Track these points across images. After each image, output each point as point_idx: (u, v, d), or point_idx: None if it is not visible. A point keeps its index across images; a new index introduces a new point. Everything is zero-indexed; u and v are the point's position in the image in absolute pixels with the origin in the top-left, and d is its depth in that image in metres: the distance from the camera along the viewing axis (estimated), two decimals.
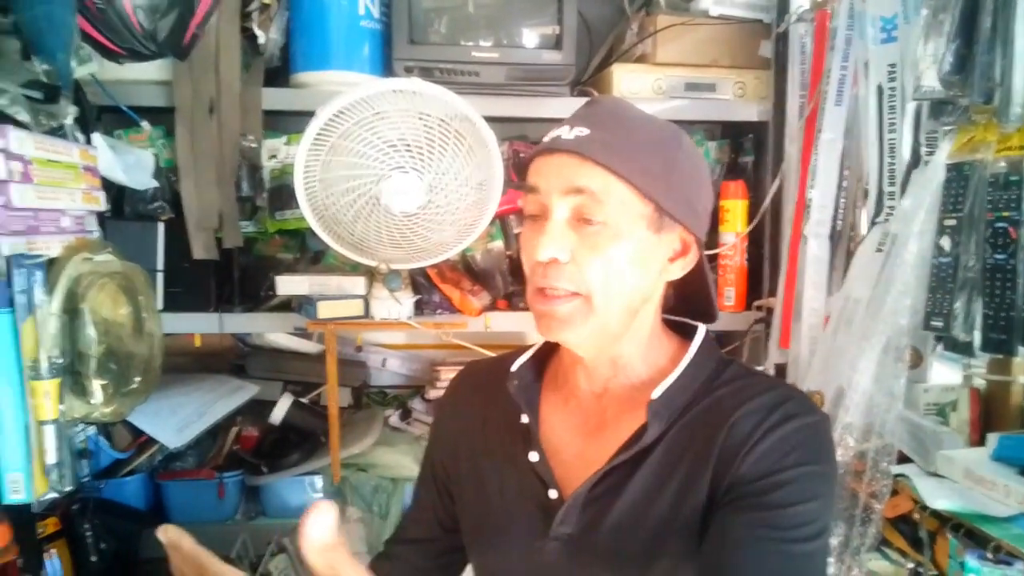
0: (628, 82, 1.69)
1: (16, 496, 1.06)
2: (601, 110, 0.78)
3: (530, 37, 1.66)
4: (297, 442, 1.82)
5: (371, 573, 0.62)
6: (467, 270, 1.75)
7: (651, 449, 0.76)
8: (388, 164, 1.36)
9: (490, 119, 1.36)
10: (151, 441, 1.67)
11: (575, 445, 0.82)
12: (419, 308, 1.61)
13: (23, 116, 1.02)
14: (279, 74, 1.67)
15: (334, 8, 1.57)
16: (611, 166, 0.72)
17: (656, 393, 0.76)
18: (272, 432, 1.84)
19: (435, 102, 1.34)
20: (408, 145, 1.36)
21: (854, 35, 1.37)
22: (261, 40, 1.56)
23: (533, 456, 0.81)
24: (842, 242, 1.51)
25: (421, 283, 1.63)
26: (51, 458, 1.06)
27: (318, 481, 1.77)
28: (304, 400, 1.90)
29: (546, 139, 0.76)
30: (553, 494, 0.79)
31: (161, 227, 1.58)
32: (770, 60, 1.68)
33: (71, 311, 1.11)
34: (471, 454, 0.89)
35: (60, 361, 1.07)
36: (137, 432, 1.66)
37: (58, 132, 1.17)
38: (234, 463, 1.78)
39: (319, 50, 1.59)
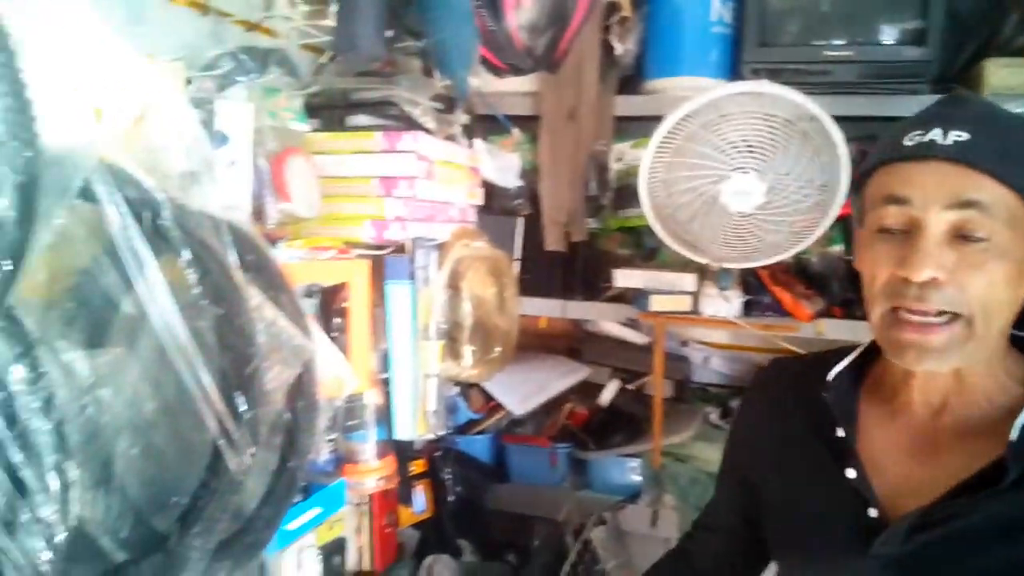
0: (1002, 78, 1.52)
1: (404, 434, 1.31)
2: (975, 110, 0.71)
3: (889, 32, 1.58)
4: (621, 425, 1.95)
5: None
6: (801, 273, 1.72)
7: (1005, 489, 0.68)
8: (729, 165, 1.40)
9: (836, 119, 1.33)
10: (499, 406, 1.91)
11: (902, 465, 0.77)
12: (748, 308, 1.62)
13: (430, 124, 1.25)
14: (630, 82, 1.79)
15: (688, 16, 1.65)
16: (1007, 179, 0.65)
17: (1017, 432, 0.68)
18: (599, 413, 1.99)
19: (782, 103, 1.35)
20: (750, 146, 1.39)
21: None
22: (618, 51, 1.70)
23: (850, 472, 0.77)
24: None
25: (752, 283, 1.65)
26: (431, 406, 1.30)
27: (638, 464, 1.87)
28: (630, 386, 2.03)
29: (908, 142, 0.70)
30: (873, 513, 0.75)
31: (520, 221, 1.80)
32: None
33: (452, 287, 1.34)
34: (775, 454, 0.87)
35: (443, 327, 1.29)
36: (488, 397, 1.91)
37: (451, 138, 1.40)
38: (565, 436, 1.96)
39: (671, 57, 1.69)
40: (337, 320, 1.21)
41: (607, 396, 1.99)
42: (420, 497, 1.65)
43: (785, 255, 1.48)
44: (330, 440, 1.23)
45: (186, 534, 0.79)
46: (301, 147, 1.17)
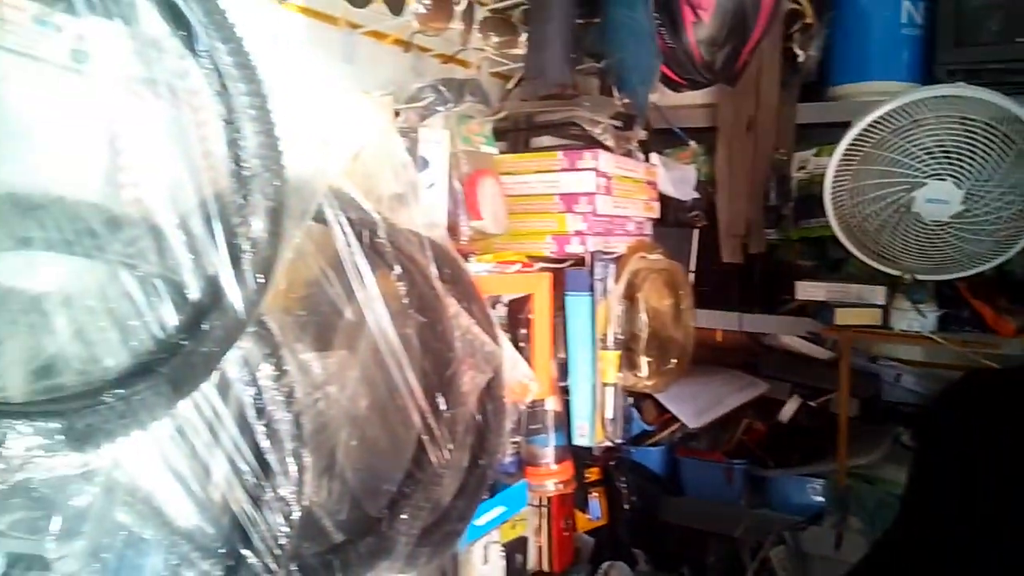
0: None
1: (582, 440, 1.36)
2: None
3: None
4: (802, 443, 1.88)
5: None
6: (1004, 285, 1.59)
7: None
8: (923, 172, 1.34)
9: None
10: (673, 419, 1.91)
11: None
12: (944, 323, 1.53)
13: (610, 142, 1.30)
14: (812, 89, 1.75)
15: (876, 19, 1.59)
16: None
17: None
18: (778, 430, 1.94)
19: (982, 106, 1.27)
20: (946, 151, 1.32)
21: None
22: (800, 58, 1.66)
23: None
24: None
25: (948, 296, 1.55)
26: (609, 414, 1.33)
27: (820, 484, 1.81)
28: (812, 403, 1.96)
29: None
30: None
31: (696, 233, 1.80)
32: None
33: (629, 298, 1.37)
34: (973, 484, 0.80)
35: (621, 337, 1.33)
36: (662, 409, 1.91)
37: (628, 153, 1.44)
38: (742, 452, 1.93)
39: (857, 62, 1.63)
40: (521, 330, 1.29)
41: (787, 412, 1.94)
42: (595, 504, 1.68)
43: (986, 266, 1.39)
44: (514, 442, 1.30)
45: (395, 520, 0.88)
46: (490, 168, 1.26)
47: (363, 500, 0.89)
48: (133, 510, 0.62)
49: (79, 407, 0.55)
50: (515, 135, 1.32)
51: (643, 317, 1.37)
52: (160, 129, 0.69)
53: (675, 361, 1.46)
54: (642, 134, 1.43)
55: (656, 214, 1.55)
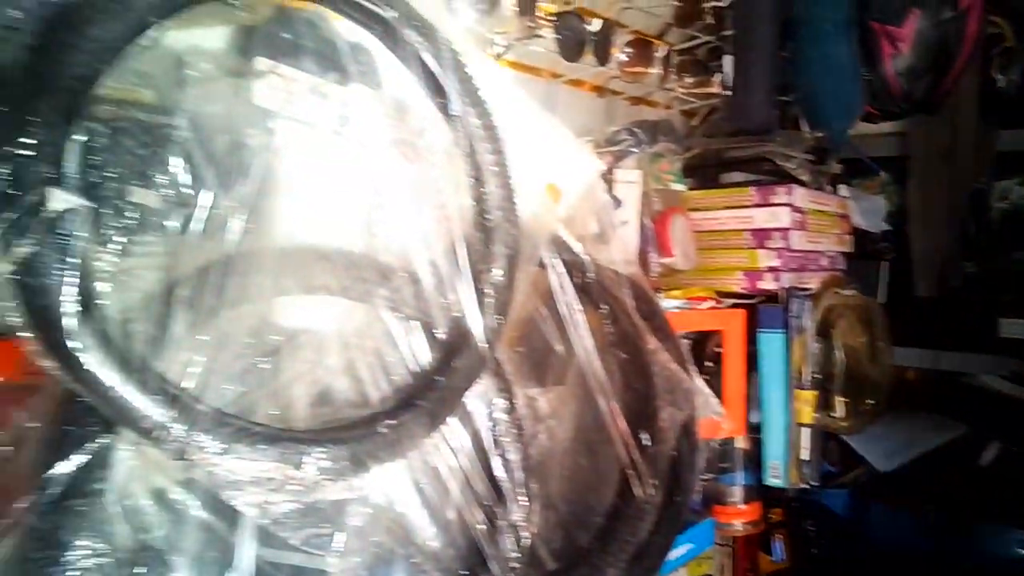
0: None
1: (775, 480, 1.33)
2: None
3: None
4: (1003, 492, 1.74)
5: None
6: None
7: None
8: None
9: None
10: (860, 460, 1.83)
11: None
12: None
13: (804, 177, 1.28)
14: (1014, 114, 1.64)
15: None
16: None
17: None
18: (977, 476, 1.80)
19: None
20: None
21: None
22: (1000, 83, 1.57)
23: None
24: None
25: None
26: (805, 455, 1.30)
27: None
28: (1015, 449, 1.81)
29: None
30: None
31: (885, 266, 1.72)
32: None
33: (823, 335, 1.33)
34: None
35: (817, 376, 1.30)
36: (848, 450, 1.83)
37: (819, 187, 1.42)
38: (935, 500, 1.80)
39: None
40: (709, 365, 1.29)
41: (987, 458, 1.80)
42: (779, 546, 1.64)
43: None
44: (703, 480, 1.29)
45: (603, 551, 0.90)
46: (680, 205, 1.27)
47: (573, 530, 0.92)
48: (390, 531, 0.69)
49: (359, 435, 0.62)
50: (703, 171, 1.33)
51: (839, 355, 1.33)
52: (408, 185, 0.77)
53: (871, 401, 1.40)
54: (836, 168, 1.40)
55: (849, 248, 1.51)
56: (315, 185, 0.72)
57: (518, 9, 0.93)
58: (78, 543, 0.53)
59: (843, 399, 1.33)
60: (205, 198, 0.62)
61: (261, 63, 0.68)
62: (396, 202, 0.76)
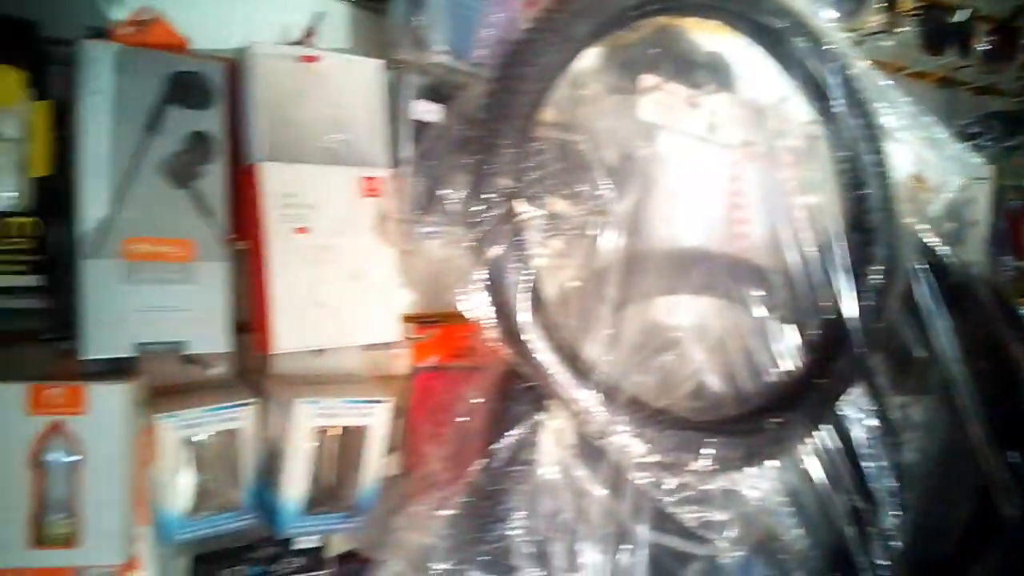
0: None
1: None
2: None
3: None
4: None
5: None
6: None
7: None
8: None
9: None
10: None
11: None
12: None
13: None
14: None
15: None
16: None
17: None
18: None
19: None
20: None
21: None
22: None
23: None
24: None
25: None
26: None
27: None
28: None
29: None
30: None
31: None
32: None
33: None
34: None
35: None
36: None
37: None
38: None
39: None
40: None
41: None
42: None
43: None
44: None
45: (967, 565, 0.85)
46: None
47: (925, 540, 0.88)
48: (763, 526, 0.71)
49: (750, 430, 0.64)
50: None
51: None
52: (769, 186, 0.78)
53: None
54: None
55: None
56: (689, 190, 0.76)
57: (884, 4, 0.90)
58: (513, 506, 0.61)
59: None
60: (603, 205, 0.68)
61: (647, 80, 0.73)
62: (759, 204, 0.78)
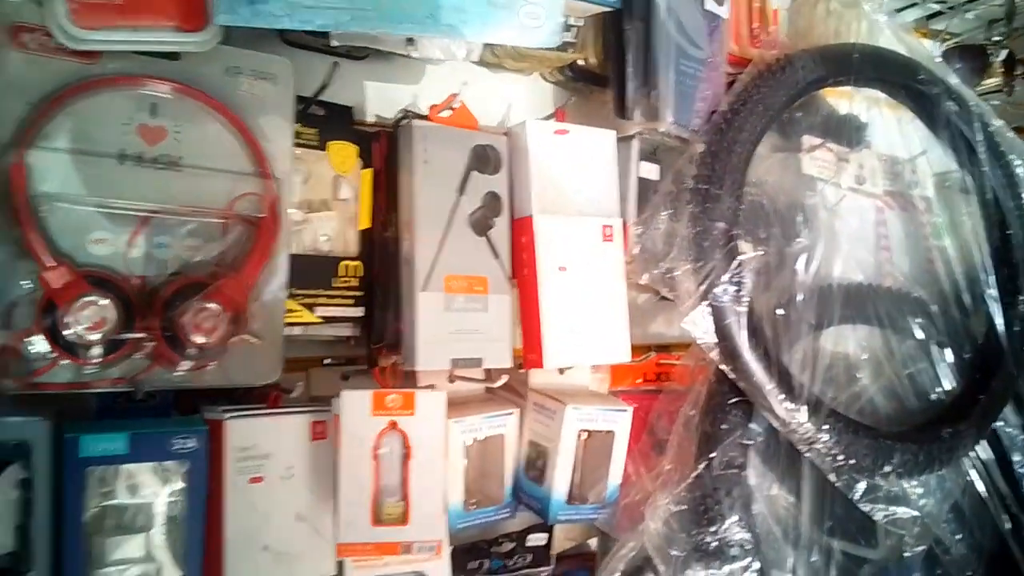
0: None
1: None
2: None
3: None
4: None
5: None
6: None
7: None
8: None
9: None
10: None
11: None
12: None
13: None
14: None
15: None
16: None
17: None
18: None
19: None
20: None
21: None
22: None
23: None
24: None
25: None
26: None
27: None
28: None
29: None
30: None
31: None
32: None
33: None
34: None
35: None
36: None
37: None
38: None
39: None
40: None
41: None
42: None
43: None
44: None
45: None
46: None
47: None
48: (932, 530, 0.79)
49: (928, 438, 0.74)
50: None
51: None
52: (904, 228, 0.90)
53: None
54: None
55: None
56: (847, 231, 0.87)
57: (1003, 69, 1.02)
58: (728, 506, 0.71)
59: None
60: (780, 245, 0.79)
61: (808, 141, 0.85)
62: (900, 244, 0.89)
